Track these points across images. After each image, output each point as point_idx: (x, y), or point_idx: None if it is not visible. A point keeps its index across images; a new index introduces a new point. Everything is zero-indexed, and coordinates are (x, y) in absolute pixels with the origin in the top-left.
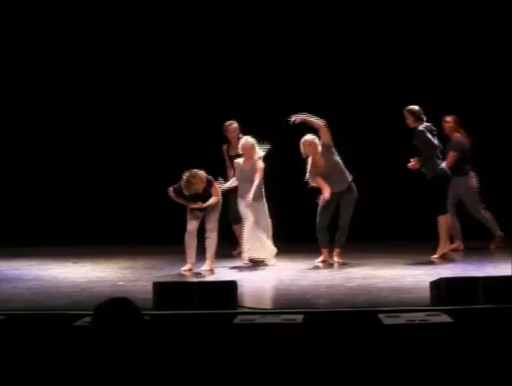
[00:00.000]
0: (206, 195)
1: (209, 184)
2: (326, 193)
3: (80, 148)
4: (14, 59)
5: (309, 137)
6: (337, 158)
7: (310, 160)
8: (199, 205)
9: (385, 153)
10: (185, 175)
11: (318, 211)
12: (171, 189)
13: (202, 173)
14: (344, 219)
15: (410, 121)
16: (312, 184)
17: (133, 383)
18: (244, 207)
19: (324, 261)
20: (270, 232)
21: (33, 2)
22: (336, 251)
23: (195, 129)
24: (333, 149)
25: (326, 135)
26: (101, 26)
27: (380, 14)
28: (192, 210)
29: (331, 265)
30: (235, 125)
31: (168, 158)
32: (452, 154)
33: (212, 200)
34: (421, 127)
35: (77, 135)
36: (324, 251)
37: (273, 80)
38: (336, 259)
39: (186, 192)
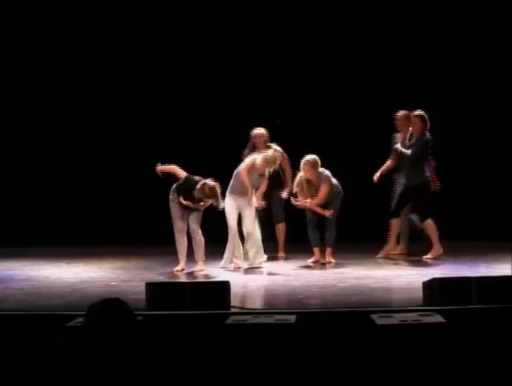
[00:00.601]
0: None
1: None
2: (327, 213)
3: (74, 148)
4: (13, 59)
5: (311, 159)
6: (329, 182)
7: (302, 175)
8: (188, 204)
9: (376, 154)
10: (207, 185)
11: (306, 209)
12: (180, 172)
13: (218, 189)
14: (329, 219)
15: (418, 127)
16: (297, 192)
17: (125, 383)
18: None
19: (316, 261)
20: (283, 236)
21: (33, 2)
22: (328, 250)
23: (190, 130)
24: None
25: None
26: (102, 26)
27: (370, 15)
28: (175, 207)
29: (323, 265)
30: (262, 131)
31: (162, 158)
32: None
33: (203, 204)
34: (429, 136)
35: (71, 135)
36: (316, 250)
37: (272, 81)
38: (328, 259)
39: (195, 193)
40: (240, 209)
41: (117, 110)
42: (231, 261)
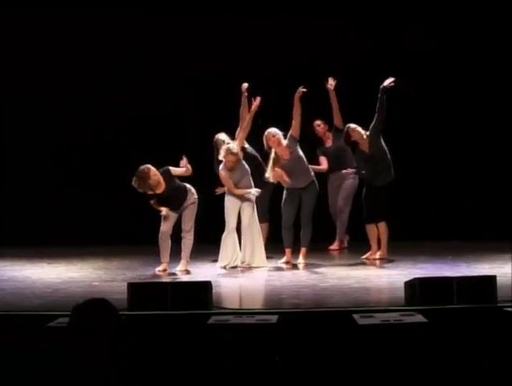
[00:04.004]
0: (179, 196)
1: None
2: (286, 180)
3: (58, 149)
4: (10, 58)
5: (273, 129)
6: (301, 153)
7: (273, 153)
8: (165, 211)
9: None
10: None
11: (282, 209)
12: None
13: (145, 172)
14: (304, 215)
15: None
16: (272, 180)
17: (109, 383)
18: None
19: (287, 262)
20: (264, 236)
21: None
22: (302, 250)
23: (175, 131)
24: (297, 143)
25: (297, 129)
26: (99, 25)
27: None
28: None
29: (295, 266)
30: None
31: (144, 159)
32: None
33: (164, 212)
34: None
35: (53, 135)
36: (288, 251)
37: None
38: (301, 259)
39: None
40: (240, 204)
41: (104, 112)
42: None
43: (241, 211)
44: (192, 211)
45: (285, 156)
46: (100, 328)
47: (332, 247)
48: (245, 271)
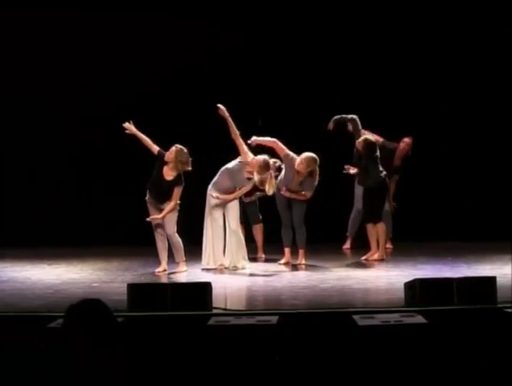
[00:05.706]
0: (167, 195)
1: (177, 181)
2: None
3: (58, 149)
4: (11, 59)
5: (312, 156)
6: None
7: (289, 172)
8: (155, 217)
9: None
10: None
11: (279, 210)
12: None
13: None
14: (296, 218)
15: None
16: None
17: (108, 383)
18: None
19: (286, 263)
20: (260, 237)
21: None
22: (301, 252)
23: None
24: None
25: (281, 150)
26: (96, 25)
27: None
28: (152, 209)
29: (294, 267)
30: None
31: (141, 158)
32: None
33: (168, 208)
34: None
35: (52, 135)
36: (287, 251)
37: (253, 82)
38: (300, 261)
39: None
40: (223, 205)
41: (101, 113)
42: (216, 261)
43: (225, 213)
44: (173, 214)
45: (300, 175)
46: (93, 329)
47: (345, 246)
48: (243, 272)
